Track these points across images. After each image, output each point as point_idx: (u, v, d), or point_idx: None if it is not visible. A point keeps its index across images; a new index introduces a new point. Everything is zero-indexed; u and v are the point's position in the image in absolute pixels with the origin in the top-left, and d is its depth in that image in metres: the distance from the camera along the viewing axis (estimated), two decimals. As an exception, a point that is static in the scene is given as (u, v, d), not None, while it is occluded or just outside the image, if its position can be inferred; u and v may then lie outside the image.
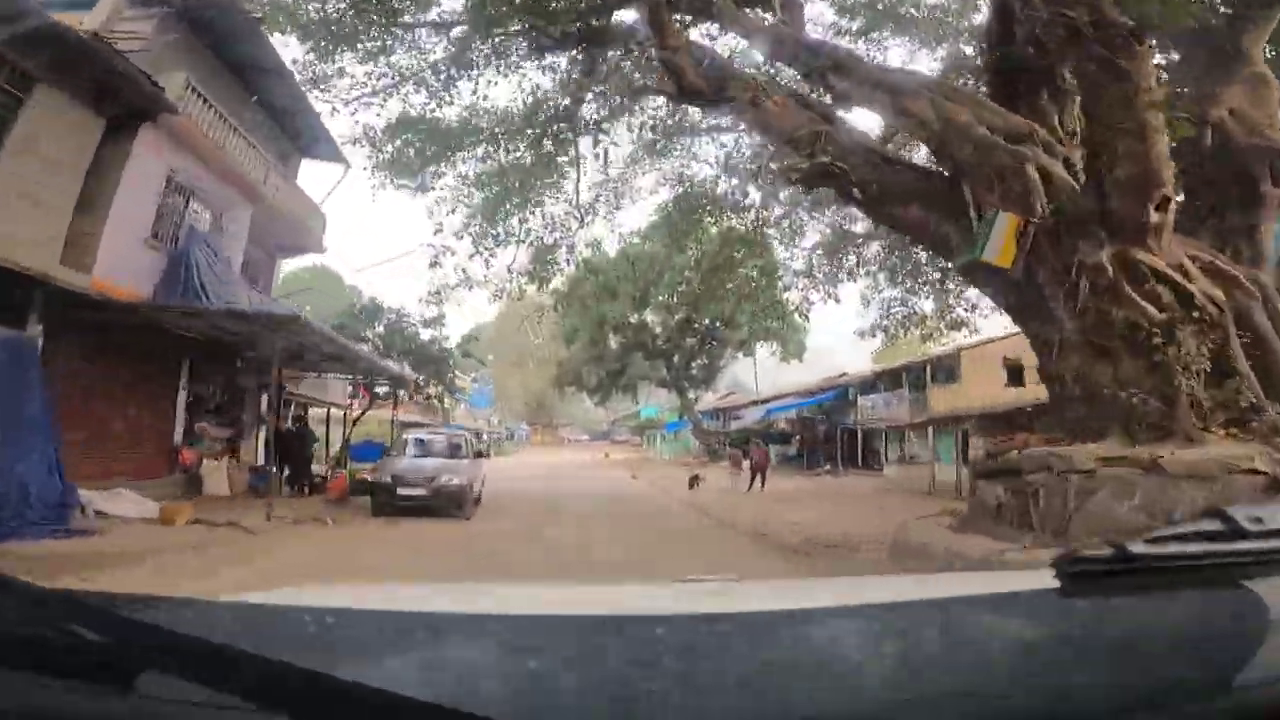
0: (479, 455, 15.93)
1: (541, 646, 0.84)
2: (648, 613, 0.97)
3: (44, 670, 0.63)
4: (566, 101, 12.50)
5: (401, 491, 12.61)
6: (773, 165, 11.74)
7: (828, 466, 32.24)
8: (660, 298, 40.06)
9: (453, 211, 13.71)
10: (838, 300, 17.63)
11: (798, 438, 35.23)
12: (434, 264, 13.91)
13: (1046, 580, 0.77)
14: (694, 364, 44.93)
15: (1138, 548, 0.76)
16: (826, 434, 34.29)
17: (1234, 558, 0.78)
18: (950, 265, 11.04)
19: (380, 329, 20.47)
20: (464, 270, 14.13)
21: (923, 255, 15.13)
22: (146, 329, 11.55)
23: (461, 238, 13.75)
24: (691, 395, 45.82)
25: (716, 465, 42.82)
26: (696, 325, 43.20)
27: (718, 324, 41.65)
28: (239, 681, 0.62)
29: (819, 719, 0.66)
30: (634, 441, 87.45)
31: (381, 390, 22.90)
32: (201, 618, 0.90)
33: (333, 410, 24.74)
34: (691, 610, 0.96)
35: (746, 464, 22.23)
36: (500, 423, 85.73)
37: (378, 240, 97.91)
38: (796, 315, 19.56)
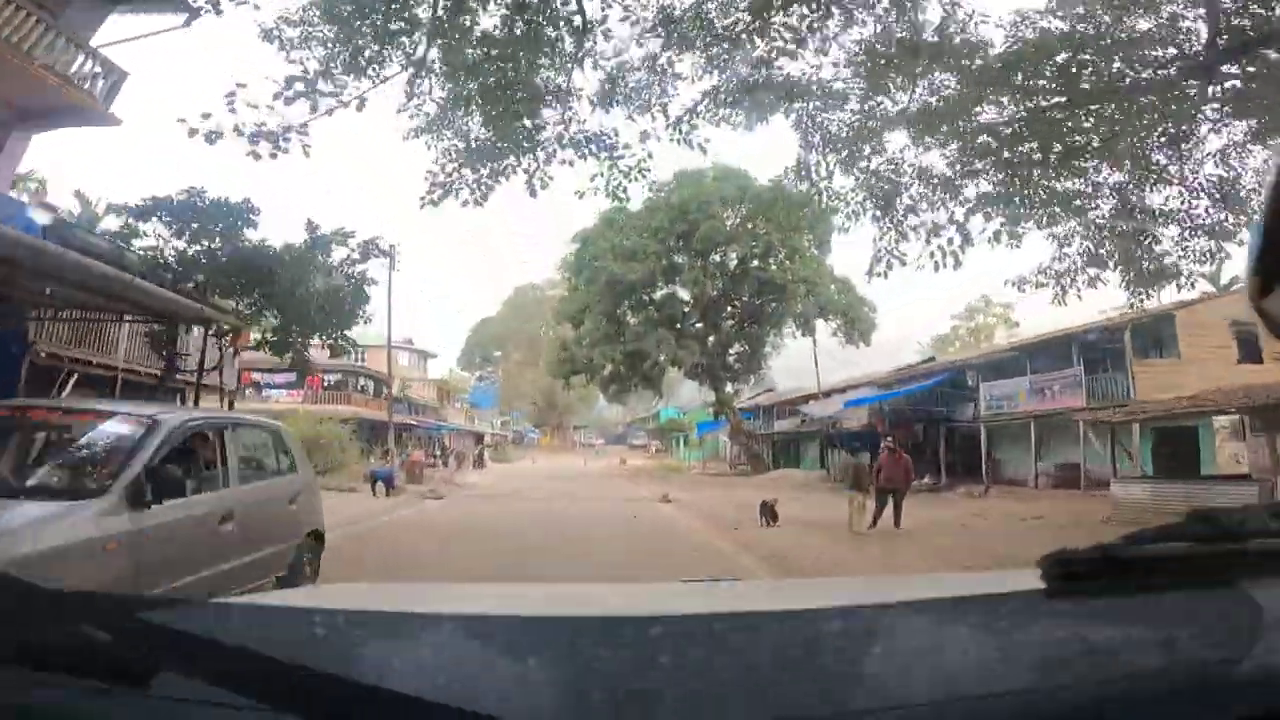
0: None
1: (549, 646, 0.84)
2: (654, 613, 0.94)
3: (62, 670, 0.64)
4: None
5: None
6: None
7: (928, 479, 23.08)
8: (695, 261, 31.32)
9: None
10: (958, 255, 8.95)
11: (887, 440, 26.06)
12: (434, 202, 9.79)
13: (1033, 582, 0.76)
14: (732, 350, 35.99)
15: (1123, 549, 0.75)
16: (925, 434, 25.19)
17: (1221, 559, 0.77)
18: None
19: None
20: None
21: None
22: None
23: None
24: (729, 389, 36.82)
25: (760, 476, 34.07)
26: (736, 301, 34.27)
27: (765, 298, 32.76)
28: (253, 683, 0.63)
29: None
30: (653, 446, 79.18)
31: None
32: (216, 619, 0.91)
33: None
34: (693, 610, 0.95)
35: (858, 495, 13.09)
36: (504, 424, 77.35)
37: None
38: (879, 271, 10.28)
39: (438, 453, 42.69)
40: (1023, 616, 0.79)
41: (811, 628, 0.84)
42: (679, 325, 32.37)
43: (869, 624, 0.85)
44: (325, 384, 30.44)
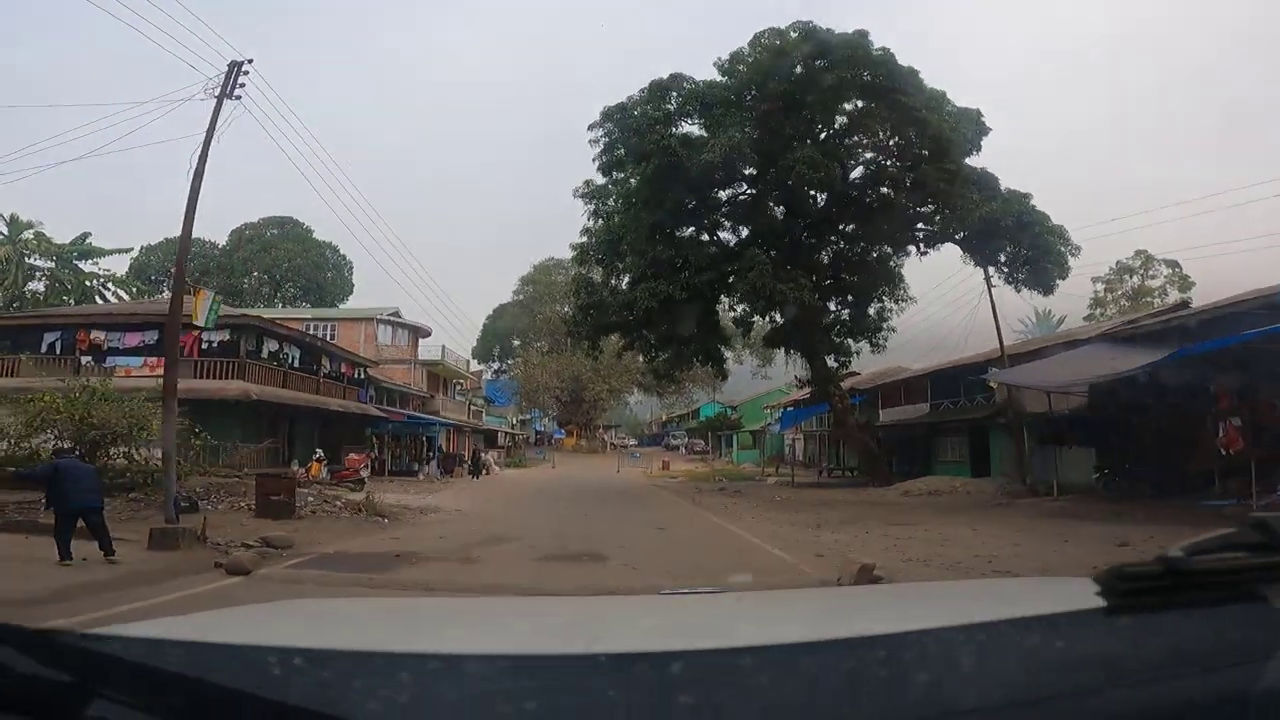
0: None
1: (534, 691, 0.74)
2: (658, 649, 0.85)
3: None
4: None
5: None
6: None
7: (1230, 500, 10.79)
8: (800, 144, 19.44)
9: None
10: None
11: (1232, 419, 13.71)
12: None
13: (1090, 597, 0.74)
14: (840, 300, 23.92)
15: (1184, 561, 0.72)
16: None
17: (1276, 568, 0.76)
18: None
19: None
20: None
21: None
22: None
23: None
24: (830, 362, 24.70)
25: (888, 490, 22.10)
26: (857, 217, 22.30)
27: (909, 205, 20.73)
28: (189, 710, 0.62)
29: None
30: (697, 447, 67.32)
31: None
32: (150, 646, 0.86)
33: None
34: (707, 645, 0.86)
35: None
36: (523, 423, 66.11)
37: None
38: None
39: (431, 457, 31.34)
40: (1085, 635, 0.74)
41: (848, 658, 0.75)
42: (775, 248, 20.23)
43: (914, 651, 0.75)
44: (207, 347, 19.26)
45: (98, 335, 19.29)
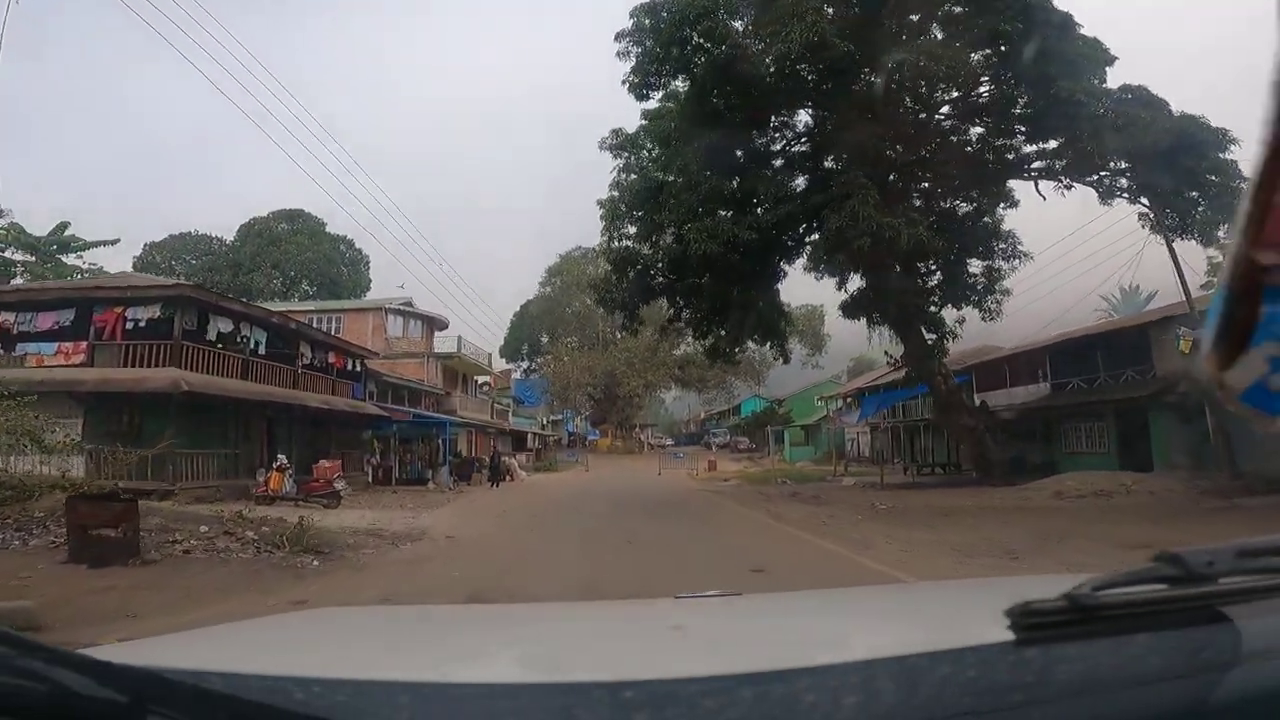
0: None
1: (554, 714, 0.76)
2: (672, 675, 0.83)
3: None
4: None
5: None
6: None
7: None
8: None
9: None
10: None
11: None
12: None
13: (1002, 631, 0.76)
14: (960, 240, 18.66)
15: (1091, 597, 0.76)
16: None
17: (1188, 601, 0.78)
18: None
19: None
20: None
21: None
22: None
23: None
24: (928, 335, 19.54)
25: (1007, 490, 16.90)
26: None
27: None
28: None
29: None
30: (742, 444, 62.11)
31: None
32: (197, 672, 0.81)
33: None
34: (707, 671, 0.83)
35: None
36: (553, 423, 61.61)
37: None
38: None
39: (444, 462, 26.93)
40: (994, 667, 0.75)
41: (771, 689, 0.75)
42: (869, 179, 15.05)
43: (835, 679, 0.76)
44: (133, 326, 14.97)
45: (5, 317, 15.18)
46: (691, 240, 14.67)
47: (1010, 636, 0.75)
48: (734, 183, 16.02)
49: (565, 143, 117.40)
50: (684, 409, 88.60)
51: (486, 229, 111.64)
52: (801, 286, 65.62)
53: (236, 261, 49.37)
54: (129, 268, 37.82)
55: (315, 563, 7.94)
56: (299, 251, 49.60)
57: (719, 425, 76.03)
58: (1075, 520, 11.52)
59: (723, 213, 15.30)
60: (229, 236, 51.50)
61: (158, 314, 14.86)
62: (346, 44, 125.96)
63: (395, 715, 0.71)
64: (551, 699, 0.78)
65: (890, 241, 13.41)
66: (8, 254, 31.96)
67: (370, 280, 52.21)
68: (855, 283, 19.94)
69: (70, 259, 33.16)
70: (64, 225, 32.97)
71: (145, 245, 49.22)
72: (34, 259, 32.33)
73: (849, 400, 42.94)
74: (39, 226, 33.13)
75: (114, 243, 35.91)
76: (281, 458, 15.17)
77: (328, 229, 51.87)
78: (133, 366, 14.73)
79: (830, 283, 19.81)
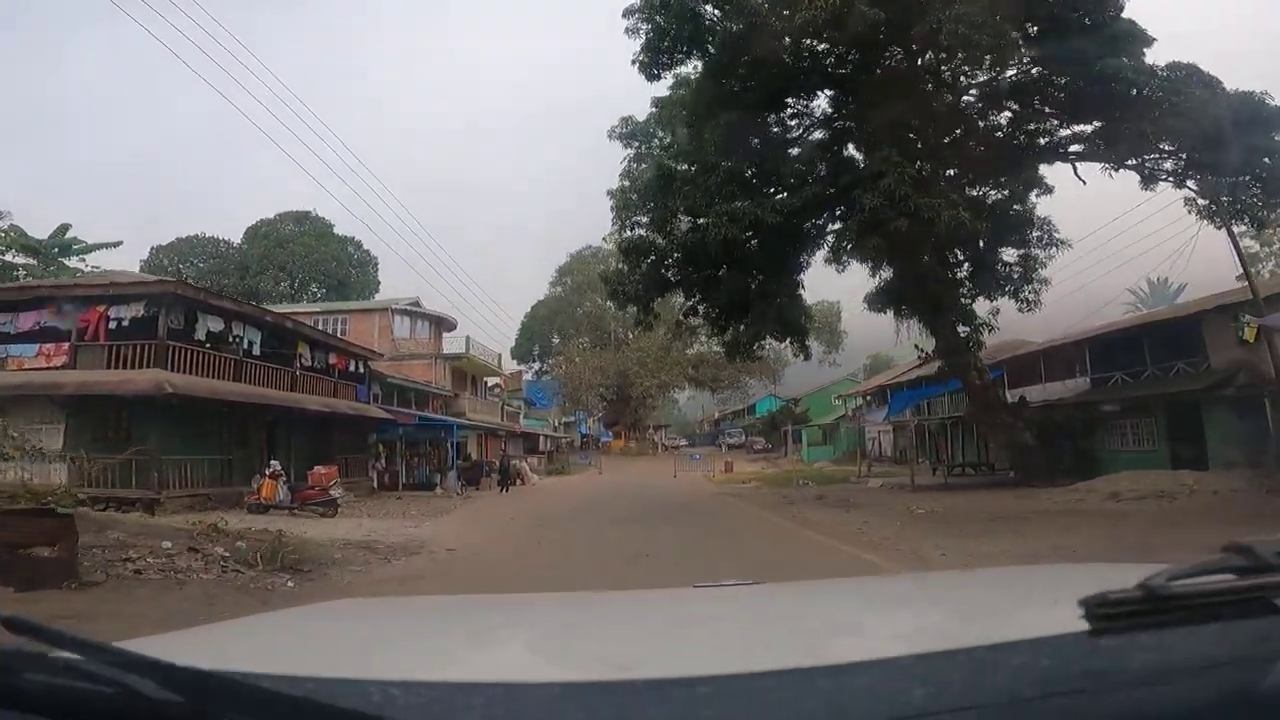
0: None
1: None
2: (694, 674, 0.82)
3: None
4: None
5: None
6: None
7: None
8: None
9: None
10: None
11: None
12: None
13: (1076, 621, 0.76)
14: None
15: (1166, 587, 0.76)
16: None
17: (1259, 591, 0.78)
18: None
19: None
20: None
21: None
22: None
23: None
24: (960, 327, 18.31)
25: (1059, 492, 15.65)
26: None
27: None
28: None
29: None
30: (758, 445, 60.84)
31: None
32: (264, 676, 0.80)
33: None
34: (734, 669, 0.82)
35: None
36: (565, 425, 60.57)
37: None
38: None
39: (451, 466, 26.02)
40: (1069, 658, 0.76)
41: (835, 682, 0.76)
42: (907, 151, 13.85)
43: (904, 675, 0.76)
44: (116, 326, 14.10)
45: (-17, 318, 14.38)
46: (710, 225, 13.57)
47: (1084, 626, 0.75)
48: (753, 167, 14.91)
49: (573, 142, 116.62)
50: (697, 409, 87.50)
51: (497, 232, 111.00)
52: (816, 283, 64.25)
53: (243, 264, 48.86)
54: (135, 272, 37.26)
55: (290, 583, 6.95)
56: (306, 253, 49.00)
57: (733, 425, 74.85)
58: (1147, 525, 10.36)
59: (740, 202, 14.19)
60: (238, 240, 51.01)
61: (142, 312, 13.98)
62: (349, 43, 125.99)
63: (465, 717, 0.72)
64: (617, 697, 0.77)
65: (929, 223, 12.29)
66: (8, 257, 31.42)
67: (379, 282, 51.53)
68: (860, 278, 18.87)
69: (73, 262, 32.58)
70: (65, 228, 32.43)
71: (151, 249, 48.81)
72: (35, 262, 31.79)
73: (868, 398, 41.65)
74: (44, 231, 32.72)
75: (116, 245, 35.33)
76: (275, 464, 14.25)
77: (335, 230, 51.34)
78: (118, 368, 13.88)
79: (846, 279, 18.91)
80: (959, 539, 10.36)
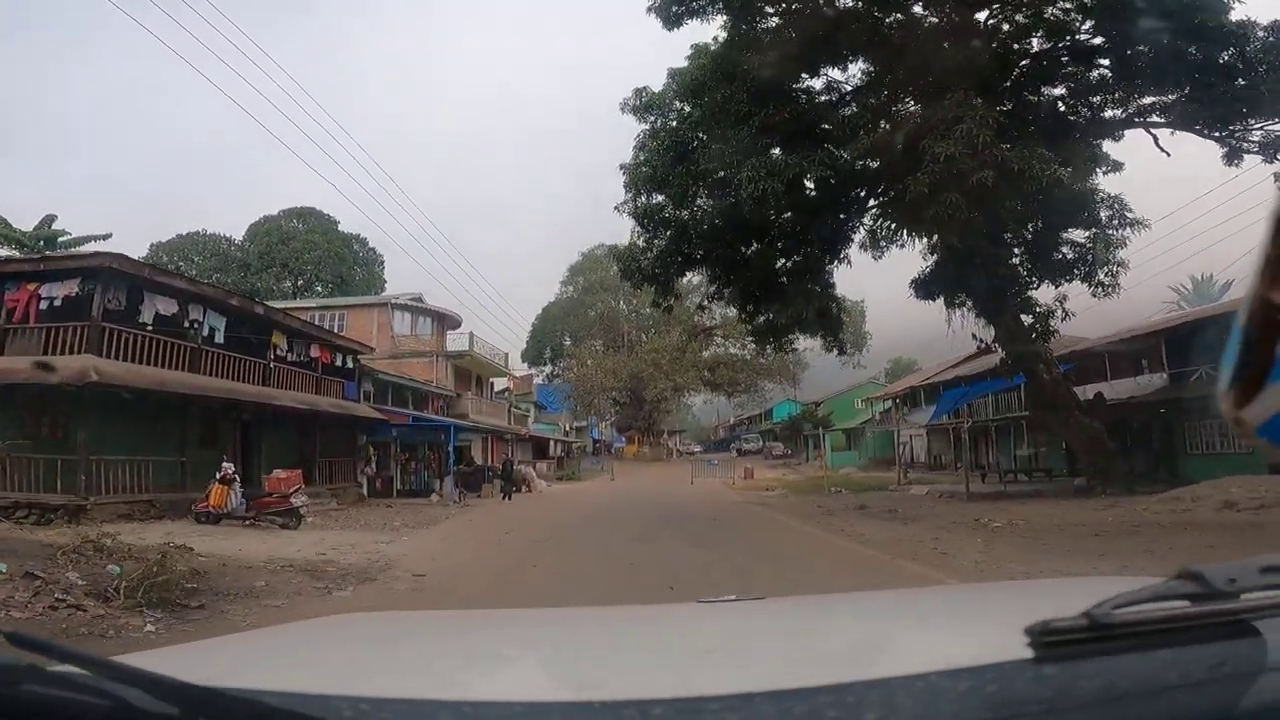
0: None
1: None
2: (716, 692, 0.81)
3: None
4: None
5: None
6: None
7: None
8: None
9: None
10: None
11: None
12: None
13: (1021, 649, 0.76)
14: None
15: (1109, 615, 0.76)
16: None
17: (1209, 618, 0.79)
18: None
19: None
20: None
21: None
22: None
23: None
24: (1016, 319, 15.93)
25: (1158, 502, 13.15)
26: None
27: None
28: None
29: None
30: (776, 451, 58.39)
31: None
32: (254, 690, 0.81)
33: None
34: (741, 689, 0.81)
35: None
36: (577, 430, 58.38)
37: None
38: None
39: (448, 471, 23.90)
40: (1013, 685, 0.75)
41: (797, 708, 0.75)
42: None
43: (855, 696, 0.76)
44: (47, 306, 12.11)
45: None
46: (745, 179, 11.33)
47: (1029, 654, 0.75)
48: (794, 112, 12.68)
49: (587, 151, 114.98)
50: (711, 414, 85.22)
51: (506, 231, 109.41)
52: (838, 282, 61.86)
53: (245, 262, 47.26)
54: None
55: (150, 627, 4.84)
56: (309, 249, 47.31)
57: (750, 430, 72.45)
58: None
59: (779, 152, 12.01)
60: (240, 238, 49.44)
61: (76, 291, 12.00)
62: (353, 43, 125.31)
63: None
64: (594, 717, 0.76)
65: (1019, 176, 10.02)
66: (-7, 249, 29.82)
67: (385, 281, 49.74)
68: (884, 278, 16.63)
69: (59, 255, 30.95)
70: (50, 219, 30.82)
71: (151, 245, 47.24)
72: (19, 255, 30.18)
73: (898, 400, 39.17)
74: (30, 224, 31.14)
75: (106, 238, 33.46)
76: (227, 465, 12.16)
77: (340, 227, 49.70)
78: (52, 354, 11.87)
79: (872, 278, 16.53)
80: (1064, 559, 8.12)
